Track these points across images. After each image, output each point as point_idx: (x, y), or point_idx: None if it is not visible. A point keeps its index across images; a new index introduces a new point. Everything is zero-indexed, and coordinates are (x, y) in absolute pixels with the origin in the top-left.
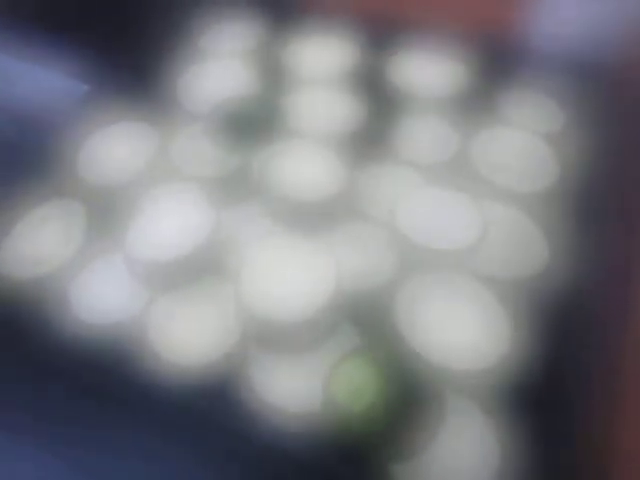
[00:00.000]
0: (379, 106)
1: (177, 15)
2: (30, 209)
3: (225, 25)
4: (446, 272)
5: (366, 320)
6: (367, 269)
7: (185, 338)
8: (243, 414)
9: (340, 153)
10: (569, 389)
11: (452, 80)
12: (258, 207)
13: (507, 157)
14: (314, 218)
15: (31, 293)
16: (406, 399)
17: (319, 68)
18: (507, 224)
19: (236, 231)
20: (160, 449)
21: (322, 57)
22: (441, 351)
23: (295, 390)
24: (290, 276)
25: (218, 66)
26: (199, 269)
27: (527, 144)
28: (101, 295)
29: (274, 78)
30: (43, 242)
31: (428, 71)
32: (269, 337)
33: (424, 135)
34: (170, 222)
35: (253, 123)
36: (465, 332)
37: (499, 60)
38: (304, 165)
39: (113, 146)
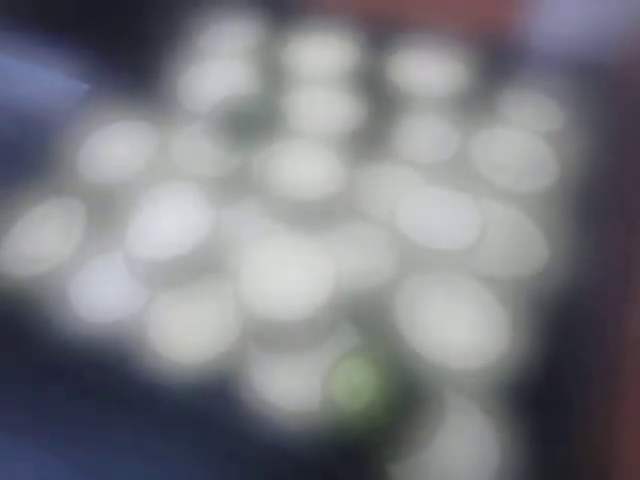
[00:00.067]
0: (379, 106)
1: (177, 15)
2: (30, 207)
3: (225, 25)
4: (446, 272)
5: (365, 319)
6: (367, 268)
7: (184, 337)
8: (242, 413)
9: (340, 153)
10: (568, 388)
11: (452, 80)
12: (258, 206)
13: (507, 157)
14: (314, 217)
15: (31, 291)
16: (405, 398)
17: (319, 68)
18: (507, 224)
19: (236, 230)
20: (160, 449)
21: (322, 57)
22: (440, 350)
23: (294, 389)
24: (290, 275)
25: (218, 66)
26: (199, 268)
27: (527, 144)
28: (101, 294)
29: (274, 78)
30: (43, 240)
31: (428, 71)
32: (269, 336)
33: (424, 135)
34: (170, 221)
35: (253, 122)
36: (464, 331)
37: (499, 60)
38: (304, 164)
39: (113, 145)
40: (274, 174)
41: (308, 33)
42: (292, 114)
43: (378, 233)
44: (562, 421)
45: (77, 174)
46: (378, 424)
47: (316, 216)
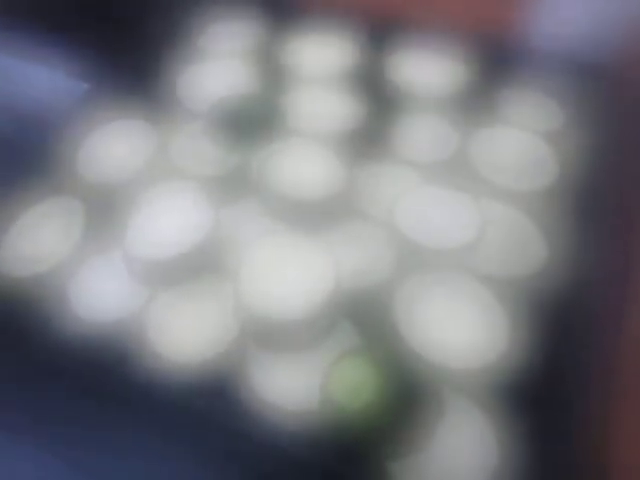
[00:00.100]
0: (378, 105)
1: (177, 14)
2: (29, 207)
3: (224, 24)
4: (445, 271)
5: (365, 319)
6: (366, 268)
7: (184, 336)
8: (242, 412)
9: (339, 152)
10: (567, 388)
11: (451, 79)
12: (257, 206)
13: (506, 156)
14: (313, 217)
15: (30, 291)
16: (405, 398)
17: (318, 67)
18: (506, 223)
19: (235, 229)
20: (159, 448)
21: (321, 56)
22: (440, 350)
23: (294, 388)
24: (289, 275)
25: (217, 65)
26: (198, 267)
27: (526, 143)
28: (100, 293)
29: (273, 77)
30: (42, 240)
31: (428, 70)
32: (268, 336)
33: (423, 134)
34: (169, 220)
35: (252, 122)
36: (464, 331)
37: (499, 59)
38: (303, 164)
39: (112, 144)
40: (273, 174)
41: (308, 33)
42: (291, 114)
43: (377, 233)
44: (561, 421)
45: (76, 173)
46: (377, 423)
47: (315, 216)
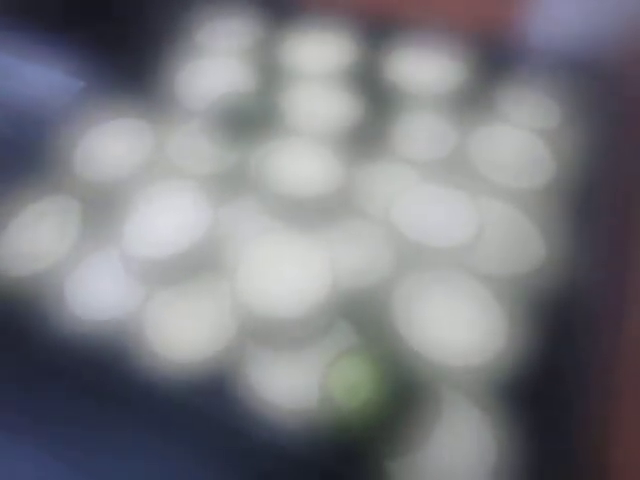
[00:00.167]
0: (377, 103)
1: (174, 12)
2: (26, 205)
3: (222, 22)
4: (443, 269)
5: (363, 317)
6: (364, 266)
7: (182, 335)
8: (240, 411)
9: (337, 150)
10: (566, 386)
11: (450, 77)
12: (255, 204)
13: (504, 154)
14: (311, 215)
15: (27, 290)
16: (403, 396)
17: (316, 65)
18: (504, 221)
19: (233, 228)
20: (158, 447)
21: (319, 54)
22: (438, 348)
23: (292, 387)
24: (287, 273)
25: (215, 63)
26: (196, 266)
27: (524, 141)
28: (97, 292)
29: (271, 75)
30: (39, 239)
31: (426, 68)
32: (266, 334)
33: (421, 132)
34: (167, 219)
35: (250, 120)
36: (462, 329)
37: (497, 58)
38: (301, 162)
39: (110, 143)
40: (271, 172)
41: (306, 31)
42: (289, 112)
43: (375, 231)
44: (561, 420)
45: (74, 172)
46: (375, 422)
47: (313, 214)
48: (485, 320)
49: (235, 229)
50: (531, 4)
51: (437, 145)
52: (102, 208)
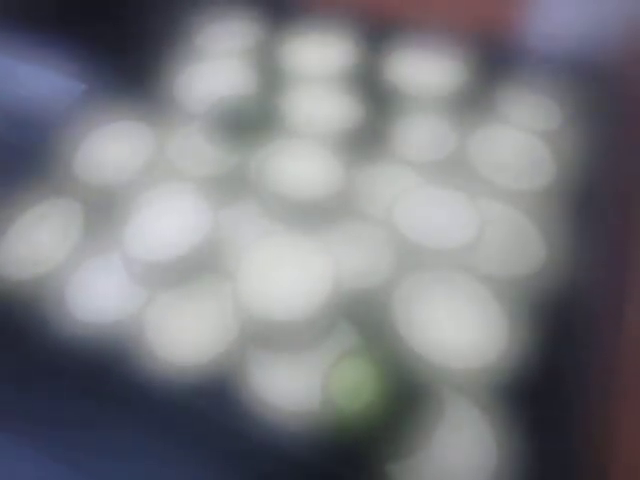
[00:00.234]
0: (377, 105)
1: (175, 14)
2: (27, 208)
3: (222, 24)
4: (444, 271)
5: (364, 319)
6: (365, 268)
7: (183, 337)
8: (241, 413)
9: (338, 152)
10: (567, 387)
11: (450, 79)
12: (256, 206)
13: (505, 156)
14: (312, 217)
15: (28, 293)
16: (404, 398)
17: (317, 67)
18: (505, 222)
19: (234, 230)
20: (159, 449)
21: (320, 56)
22: (439, 350)
23: (293, 389)
24: (288, 275)
25: (215, 65)
26: (197, 268)
27: (525, 143)
28: (98, 294)
29: (272, 77)
30: (40, 241)
31: (426, 70)
32: (267, 336)
33: (422, 134)
34: (168, 221)
35: (251, 122)
36: (463, 330)
37: (497, 59)
38: (302, 164)
39: (110, 145)
40: (272, 174)
41: (306, 32)
42: (290, 114)
43: (376, 232)
44: (561, 420)
45: (75, 175)
46: (377, 424)
47: (314, 216)
48: (486, 321)
49: (236, 231)
50: (531, 5)
51: (438, 146)
52: (103, 211)
